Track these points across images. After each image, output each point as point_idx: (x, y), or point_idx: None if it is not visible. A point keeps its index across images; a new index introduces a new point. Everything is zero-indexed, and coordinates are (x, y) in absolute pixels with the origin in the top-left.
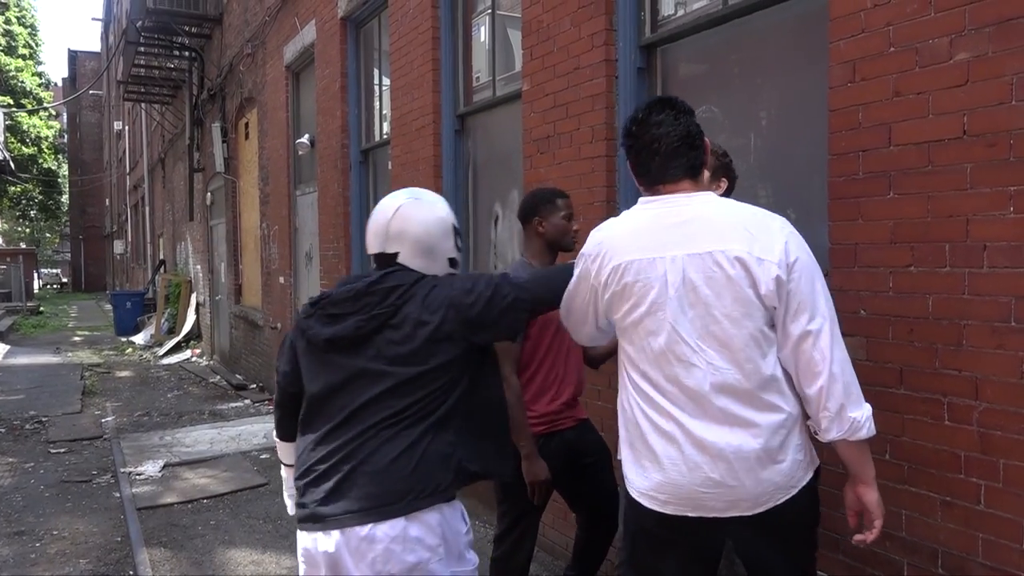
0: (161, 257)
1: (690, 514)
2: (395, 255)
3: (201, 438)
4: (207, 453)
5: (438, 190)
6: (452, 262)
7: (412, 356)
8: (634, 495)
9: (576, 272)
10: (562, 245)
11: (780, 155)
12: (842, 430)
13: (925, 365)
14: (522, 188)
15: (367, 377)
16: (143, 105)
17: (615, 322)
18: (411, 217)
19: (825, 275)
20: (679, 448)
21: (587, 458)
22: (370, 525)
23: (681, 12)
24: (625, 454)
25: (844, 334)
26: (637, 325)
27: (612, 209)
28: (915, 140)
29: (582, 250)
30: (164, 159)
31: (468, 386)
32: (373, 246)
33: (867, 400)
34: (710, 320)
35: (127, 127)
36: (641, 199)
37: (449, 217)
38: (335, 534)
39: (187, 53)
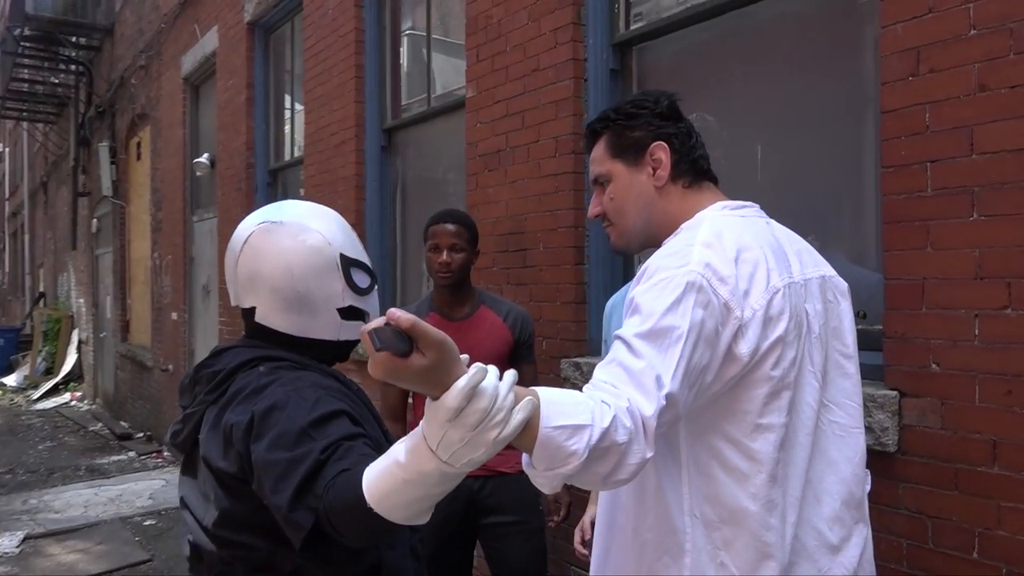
0: (41, 289)
1: None
2: (253, 311)
3: (74, 500)
4: (79, 520)
5: (360, 214)
6: (349, 313)
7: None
8: None
9: (685, 321)
10: (435, 280)
11: (797, 169)
12: None
13: None
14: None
15: (190, 507)
16: (24, 125)
17: (751, 382)
18: (264, 251)
19: (860, 316)
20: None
21: (493, 517)
22: None
23: (665, 2)
24: None
25: (907, 394)
26: (782, 383)
27: (580, 237)
28: (1010, 146)
29: (685, 278)
30: (46, 183)
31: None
32: (231, 295)
33: (945, 480)
34: (834, 366)
35: (7, 149)
36: (723, 204)
37: (331, 245)
38: None
39: (74, 67)
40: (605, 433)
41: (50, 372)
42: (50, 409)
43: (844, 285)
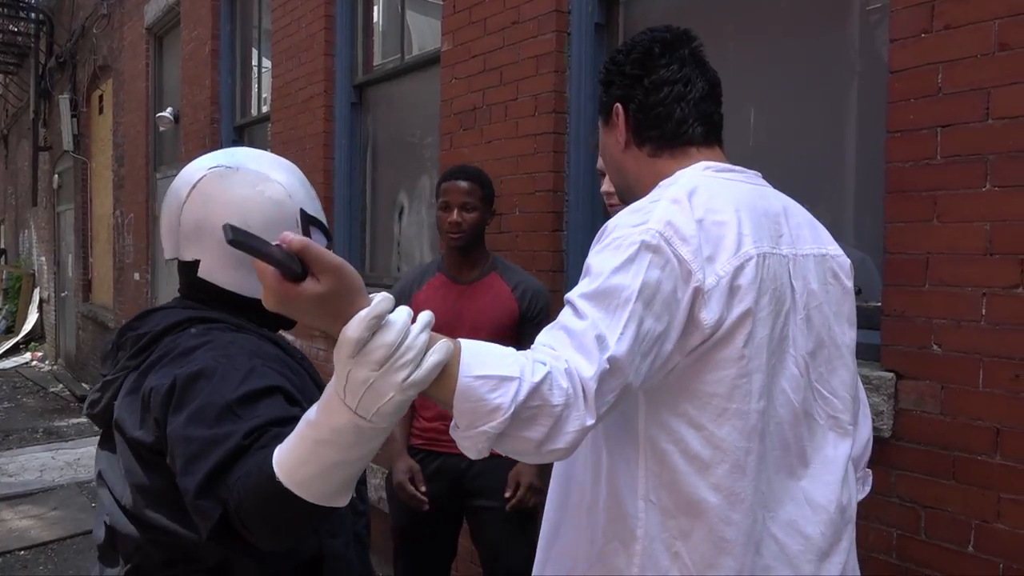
0: (1, 246)
1: None
2: (195, 265)
3: (29, 464)
4: (34, 485)
5: (329, 174)
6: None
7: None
8: None
9: (636, 280)
10: (445, 241)
11: (793, 135)
12: None
13: None
14: (436, 173)
15: (108, 483)
16: None
17: (719, 361)
18: (216, 198)
19: (856, 292)
20: (818, 564)
21: (480, 500)
22: None
23: None
24: None
25: (905, 376)
26: (752, 365)
27: (559, 201)
28: None
29: (641, 236)
30: (7, 136)
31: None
32: (165, 246)
33: (942, 469)
34: (835, 354)
35: None
36: (707, 164)
37: (292, 198)
38: None
39: (34, 15)
40: (535, 390)
41: (11, 331)
42: (9, 369)
43: (847, 263)
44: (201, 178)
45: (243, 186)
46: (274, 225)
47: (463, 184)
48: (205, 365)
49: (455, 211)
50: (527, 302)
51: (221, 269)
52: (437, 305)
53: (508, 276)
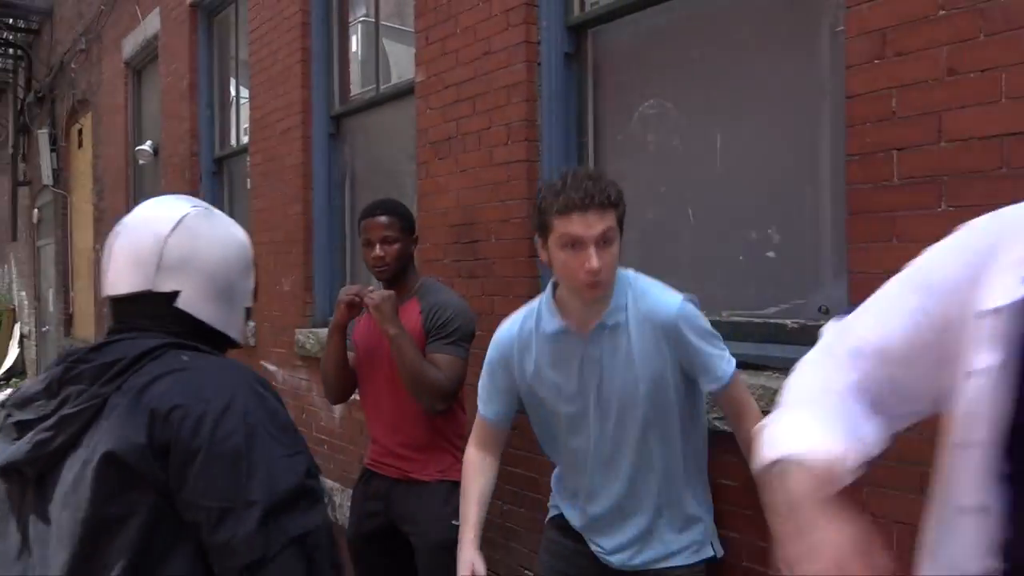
0: None
1: None
2: (171, 296)
3: None
4: None
5: (308, 204)
6: (248, 314)
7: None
8: None
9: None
10: (373, 275)
11: (759, 159)
12: None
13: None
14: (414, 201)
15: (51, 540)
16: None
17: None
18: (204, 235)
19: (822, 311)
20: None
21: (407, 526)
22: None
23: None
24: None
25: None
26: None
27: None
28: (980, 133)
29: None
30: None
31: None
32: (123, 280)
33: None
34: None
35: None
36: None
37: (249, 244)
38: None
39: (12, 51)
40: None
41: None
42: None
43: None
44: (186, 215)
45: (223, 227)
46: (243, 264)
47: (382, 219)
48: (236, 423)
49: (377, 246)
50: (430, 320)
51: (202, 301)
52: (367, 334)
53: (426, 299)
